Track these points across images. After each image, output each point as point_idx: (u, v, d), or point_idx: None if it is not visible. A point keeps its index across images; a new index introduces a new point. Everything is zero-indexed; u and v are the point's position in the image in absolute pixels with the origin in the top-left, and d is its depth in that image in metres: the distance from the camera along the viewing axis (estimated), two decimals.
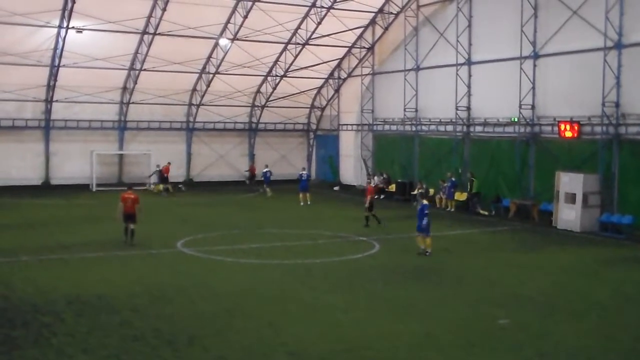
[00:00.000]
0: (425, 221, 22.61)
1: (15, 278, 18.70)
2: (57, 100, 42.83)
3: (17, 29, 37.52)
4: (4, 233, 26.41)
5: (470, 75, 36.51)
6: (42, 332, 13.89)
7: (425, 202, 23.27)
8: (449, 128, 38.04)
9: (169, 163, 43.51)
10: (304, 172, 40.43)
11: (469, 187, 35.44)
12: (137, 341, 13.44)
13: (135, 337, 13.64)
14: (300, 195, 36.99)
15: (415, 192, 38.47)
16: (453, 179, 35.91)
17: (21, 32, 37.90)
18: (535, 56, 32.40)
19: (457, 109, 36.84)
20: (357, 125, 46.51)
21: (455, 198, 35.54)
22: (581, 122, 30.03)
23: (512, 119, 33.57)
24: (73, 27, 37.85)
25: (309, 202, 36.52)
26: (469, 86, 36.58)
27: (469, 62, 36.43)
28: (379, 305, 16.49)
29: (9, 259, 21.37)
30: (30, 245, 23.65)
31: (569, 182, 29.39)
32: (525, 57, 32.66)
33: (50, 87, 41.97)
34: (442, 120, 38.57)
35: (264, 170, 43.45)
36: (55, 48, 39.30)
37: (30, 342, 13.29)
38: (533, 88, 32.53)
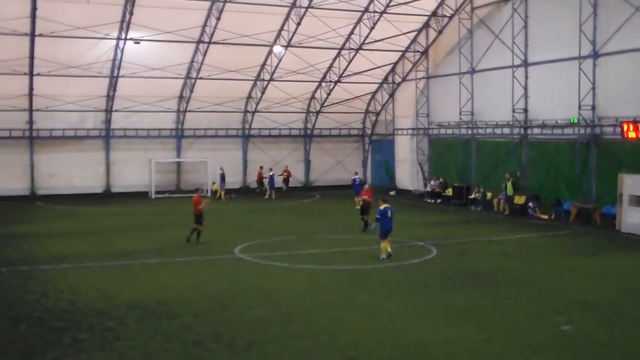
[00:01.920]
0: (391, 224, 22.41)
1: (80, 284, 19.16)
2: (116, 110, 43.91)
3: (78, 42, 38.67)
4: (69, 240, 27.10)
5: (527, 77, 35.96)
6: (106, 336, 14.21)
7: (387, 205, 22.78)
8: (506, 131, 37.53)
9: (261, 168, 45.13)
10: (357, 177, 41.14)
11: (504, 188, 35.08)
12: (197, 346, 13.62)
13: (195, 342, 13.82)
14: (356, 199, 37.10)
15: (473, 195, 38.21)
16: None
17: (82, 45, 39.06)
18: (595, 55, 31.71)
19: (514, 112, 36.33)
20: (413, 129, 46.26)
21: (515, 202, 35.04)
22: None
23: (572, 120, 32.91)
24: (131, 39, 38.79)
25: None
26: (525, 88, 36.03)
27: (526, 64, 35.90)
28: (437, 311, 16.36)
29: (75, 265, 21.94)
30: (93, 252, 24.21)
31: (633, 184, 28.61)
32: (585, 57, 32.00)
33: (110, 97, 43.05)
34: (498, 123, 38.08)
35: (270, 174, 44.21)
36: (114, 59, 40.31)
37: (95, 345, 13.62)
38: (593, 88, 31.84)
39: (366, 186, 30.36)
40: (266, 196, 43.44)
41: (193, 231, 25.83)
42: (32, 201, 41.00)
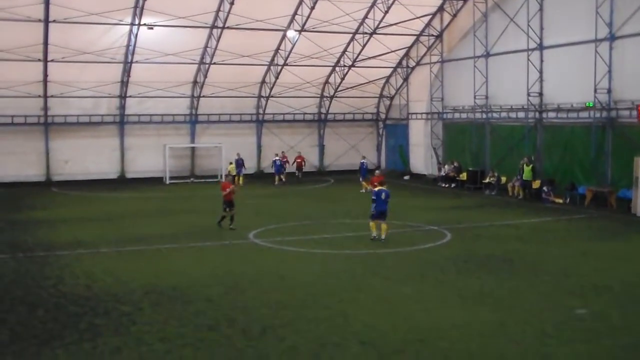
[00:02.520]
0: (385, 207, 22.89)
1: (96, 269, 19.31)
2: (130, 96, 44.02)
3: (92, 28, 38.67)
4: (85, 226, 27.32)
5: (542, 60, 35.68)
6: (122, 321, 14.34)
7: (383, 188, 23.31)
8: (521, 115, 37.31)
9: (299, 153, 45.57)
10: (364, 160, 41.68)
11: (520, 173, 34.99)
12: (212, 331, 13.72)
13: (210, 327, 13.93)
14: (363, 183, 37.97)
15: (487, 180, 38.13)
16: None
17: (96, 31, 39.07)
18: (612, 38, 31.39)
19: (528, 95, 36.09)
20: (427, 113, 46.10)
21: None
22: None
23: (587, 104, 32.66)
24: (144, 24, 38.78)
25: (369, 189, 36.54)
26: (540, 71, 35.77)
27: (541, 47, 35.61)
28: (452, 295, 16.37)
29: (90, 250, 22.11)
30: (109, 237, 24.38)
31: None
32: (601, 40, 31.68)
33: (124, 83, 43.16)
34: (513, 107, 37.87)
35: (274, 159, 44.22)
36: (128, 45, 40.36)
37: (111, 330, 13.75)
38: (609, 71, 31.55)
39: (377, 172, 29.92)
40: (276, 182, 43.32)
41: (223, 217, 25.85)
42: (47, 187, 41.34)
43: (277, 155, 44.85)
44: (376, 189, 23.65)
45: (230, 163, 43.79)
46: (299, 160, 45.77)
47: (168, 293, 16.60)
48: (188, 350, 12.65)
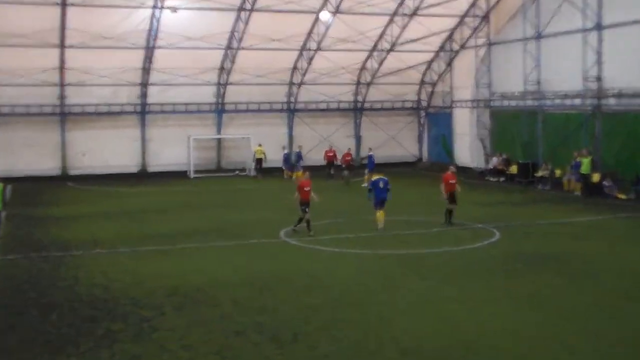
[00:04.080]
0: (385, 195, 24.67)
1: (114, 269, 19.39)
2: (152, 84, 44.28)
3: (112, 12, 39.07)
4: (103, 223, 27.48)
5: (600, 41, 35.01)
6: (142, 326, 14.32)
7: (381, 176, 25.11)
8: (577, 102, 36.72)
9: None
10: (371, 153, 41.66)
11: (575, 165, 34.62)
12: (239, 336, 13.64)
13: (237, 333, 13.85)
14: (365, 177, 37.55)
15: (540, 173, 37.61)
16: (578, 159, 34.71)
17: (116, 15, 39.40)
18: None
19: (585, 80, 35.48)
20: (473, 101, 45.67)
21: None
22: None
23: None
24: (168, 7, 38.93)
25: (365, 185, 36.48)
26: (599, 54, 35.09)
27: (599, 27, 34.92)
28: (498, 297, 16.21)
29: (109, 250, 22.18)
30: (129, 236, 24.52)
31: None
32: None
33: (146, 69, 43.43)
34: (568, 94, 37.29)
35: (284, 153, 44.27)
36: (150, 29, 40.62)
37: (130, 336, 13.73)
38: None
39: (452, 168, 28.02)
40: (285, 176, 43.05)
41: (301, 220, 24.26)
42: (63, 181, 41.73)
43: (284, 148, 44.96)
44: (373, 178, 25.53)
45: (259, 145, 43.92)
46: (330, 155, 44.44)
47: (192, 295, 16.60)
48: (213, 358, 12.58)
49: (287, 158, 44.62)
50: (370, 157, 41.52)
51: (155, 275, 18.62)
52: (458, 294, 16.48)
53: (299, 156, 44.21)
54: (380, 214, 24.69)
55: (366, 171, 39.00)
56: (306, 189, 24.25)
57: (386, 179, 24.89)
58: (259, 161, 43.99)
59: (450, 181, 26.17)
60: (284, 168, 44.16)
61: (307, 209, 24.02)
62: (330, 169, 43.73)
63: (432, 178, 41.01)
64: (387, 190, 24.74)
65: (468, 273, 18.59)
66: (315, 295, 16.50)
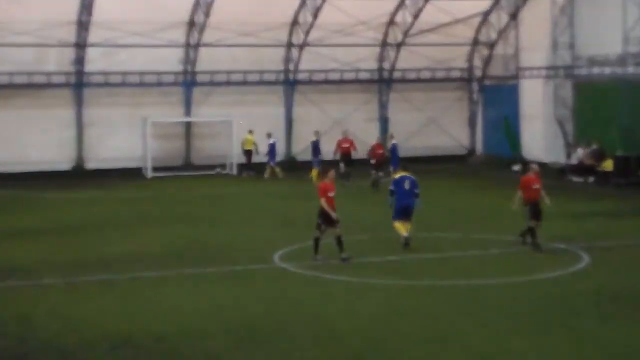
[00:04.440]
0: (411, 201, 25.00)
1: (37, 310, 19.19)
2: (93, 44, 44.14)
3: None
4: (22, 242, 27.34)
5: None
6: None
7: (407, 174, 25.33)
8: None
9: (345, 134, 44.14)
10: (394, 142, 42.24)
11: None
12: None
13: None
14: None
15: None
16: None
17: None
18: None
19: None
20: (548, 68, 45.77)
21: None
22: None
23: None
24: None
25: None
26: None
27: None
28: (591, 354, 16.02)
29: (30, 282, 22.02)
30: (59, 261, 24.34)
31: None
32: None
33: (83, 24, 43.24)
34: None
35: (270, 142, 44.39)
36: None
37: None
38: None
39: (535, 167, 27.44)
40: (265, 175, 43.66)
41: (317, 242, 24.29)
42: None
43: (269, 136, 44.92)
44: (397, 175, 25.50)
45: (250, 131, 44.16)
46: (345, 146, 42.79)
47: (148, 347, 16.41)
48: None
49: (273, 149, 44.57)
50: (393, 148, 41.29)
51: (96, 319, 18.38)
52: (532, 349, 16.27)
53: (316, 147, 43.66)
54: (399, 224, 25.11)
55: (391, 168, 38.76)
56: (331, 194, 24.09)
57: (413, 177, 25.08)
58: (248, 154, 43.60)
59: (533, 186, 25.67)
60: (271, 164, 44.24)
61: (336, 222, 23.79)
62: (343, 167, 41.80)
63: (490, 179, 40.98)
64: (414, 193, 24.90)
65: (544, 317, 18.38)
66: (327, 348, 16.33)
